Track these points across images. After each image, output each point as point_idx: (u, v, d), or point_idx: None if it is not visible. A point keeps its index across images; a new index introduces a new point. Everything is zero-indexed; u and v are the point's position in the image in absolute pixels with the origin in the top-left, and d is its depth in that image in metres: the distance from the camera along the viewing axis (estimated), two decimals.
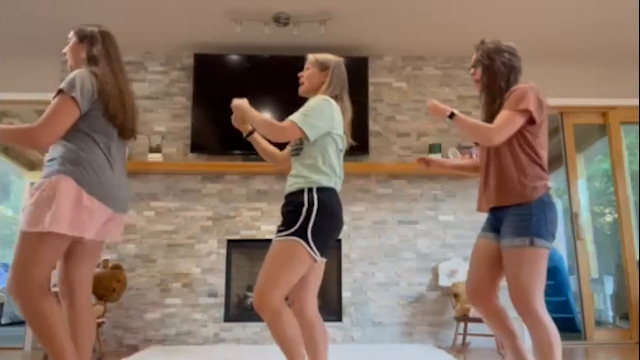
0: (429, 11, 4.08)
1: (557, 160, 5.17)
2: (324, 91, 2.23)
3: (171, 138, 4.54)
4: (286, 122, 2.11)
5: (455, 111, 2.12)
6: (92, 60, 2.10)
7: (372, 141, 4.56)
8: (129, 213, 4.40)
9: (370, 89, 4.63)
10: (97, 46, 2.12)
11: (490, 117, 2.18)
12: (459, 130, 2.16)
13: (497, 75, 2.22)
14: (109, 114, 2.05)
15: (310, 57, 2.30)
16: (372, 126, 4.60)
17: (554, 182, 7.76)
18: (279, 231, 2.05)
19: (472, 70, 2.30)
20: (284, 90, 4.40)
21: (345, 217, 4.46)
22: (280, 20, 4.16)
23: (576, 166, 4.84)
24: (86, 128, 2.02)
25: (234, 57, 4.59)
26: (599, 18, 4.17)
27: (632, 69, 4.80)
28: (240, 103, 2.23)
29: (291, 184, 2.13)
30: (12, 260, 1.91)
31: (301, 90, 2.31)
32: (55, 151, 2.00)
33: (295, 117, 2.12)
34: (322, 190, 2.08)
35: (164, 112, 4.63)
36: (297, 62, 4.56)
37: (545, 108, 2.16)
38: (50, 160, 1.99)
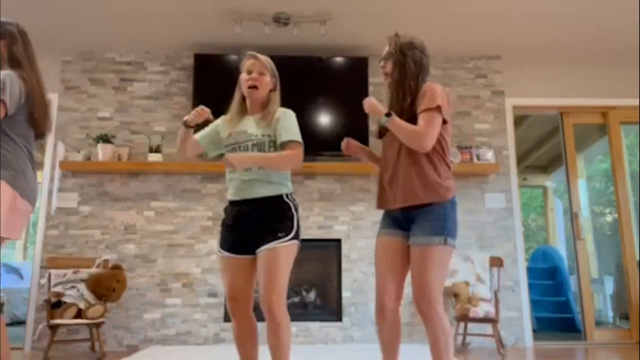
0: (429, 11, 4.08)
1: (557, 160, 5.19)
2: (278, 99, 2.35)
3: (171, 138, 4.54)
4: (294, 145, 2.21)
5: (392, 113, 2.09)
6: (13, 61, 2.07)
7: (372, 141, 4.56)
8: (129, 213, 4.40)
9: (370, 89, 4.63)
10: (17, 46, 2.09)
11: (400, 113, 2.14)
12: (395, 132, 2.10)
13: (407, 71, 2.21)
14: (34, 120, 2.06)
15: (265, 61, 2.34)
16: (372, 126, 4.59)
17: (554, 182, 7.82)
18: (279, 237, 2.12)
19: (382, 63, 2.28)
20: (284, 90, 4.40)
21: (345, 217, 4.48)
22: (280, 20, 4.16)
23: (576, 166, 4.84)
24: (10, 131, 2.01)
25: (234, 57, 4.59)
26: (599, 18, 4.17)
27: (632, 69, 4.81)
28: (240, 158, 2.12)
29: (268, 190, 2.19)
30: None
31: (256, 95, 2.32)
32: None
33: (294, 135, 2.23)
34: (291, 194, 2.27)
35: (164, 112, 4.63)
36: (297, 62, 4.62)
37: (451, 109, 2.18)
38: None
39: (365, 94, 4.55)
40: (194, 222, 4.42)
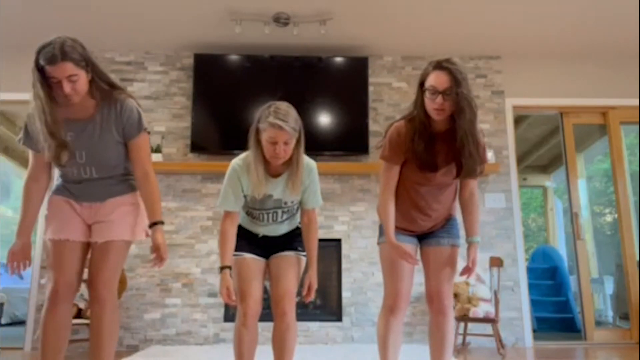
0: (429, 11, 4.08)
1: (557, 160, 5.18)
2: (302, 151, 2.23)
3: (171, 138, 4.54)
4: (315, 214, 2.32)
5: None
6: (112, 85, 2.21)
7: (372, 141, 4.55)
8: None
9: (370, 89, 4.62)
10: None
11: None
12: None
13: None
14: None
15: (290, 132, 2.09)
16: (372, 126, 4.59)
17: (554, 182, 7.82)
18: (298, 250, 2.32)
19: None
20: (284, 90, 4.41)
21: (345, 217, 4.48)
22: (280, 20, 4.16)
23: (576, 166, 4.84)
24: None
25: (234, 57, 4.59)
26: (599, 18, 4.16)
27: (632, 69, 4.80)
28: (314, 282, 2.29)
29: (295, 225, 2.39)
30: None
31: (281, 161, 2.16)
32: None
33: (319, 201, 2.31)
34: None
35: (164, 112, 4.62)
36: (297, 62, 4.62)
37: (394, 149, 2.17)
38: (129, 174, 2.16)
39: (365, 94, 4.55)
40: (194, 222, 4.42)
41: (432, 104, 2.00)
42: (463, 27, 4.32)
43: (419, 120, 2.07)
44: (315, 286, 2.24)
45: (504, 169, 4.61)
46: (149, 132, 2.16)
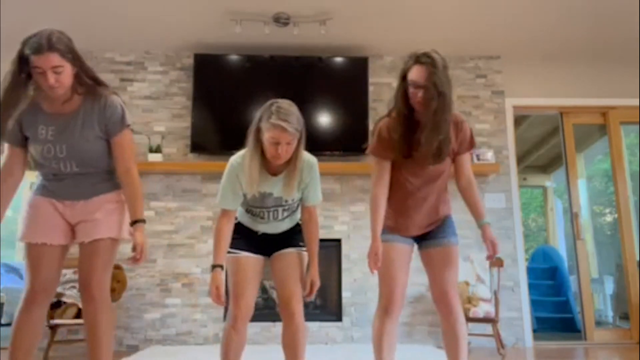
0: (429, 11, 4.07)
1: (557, 160, 5.18)
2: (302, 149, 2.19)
3: (171, 138, 4.54)
4: (315, 210, 2.30)
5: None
6: (96, 80, 2.13)
7: (371, 141, 4.55)
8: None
9: (370, 89, 4.62)
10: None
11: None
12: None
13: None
14: None
15: (294, 133, 2.07)
16: (372, 126, 4.59)
17: (554, 182, 7.82)
18: (300, 245, 2.30)
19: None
20: (284, 90, 4.40)
21: (345, 217, 4.48)
22: (280, 20, 4.16)
23: (576, 166, 4.84)
24: None
25: (234, 57, 4.59)
26: (599, 18, 4.16)
27: (632, 69, 4.80)
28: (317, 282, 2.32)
29: (296, 222, 2.37)
30: None
31: (283, 161, 2.13)
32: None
33: (319, 197, 2.29)
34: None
35: (164, 112, 4.62)
36: (297, 62, 4.61)
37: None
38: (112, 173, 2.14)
39: (365, 94, 4.55)
40: (194, 222, 4.42)
41: (415, 97, 2.06)
42: (463, 27, 4.32)
43: (398, 111, 2.12)
44: (317, 284, 2.24)
45: (504, 169, 4.61)
46: (132, 130, 2.13)
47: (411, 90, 2.06)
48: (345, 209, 4.49)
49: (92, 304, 1.99)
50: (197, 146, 4.46)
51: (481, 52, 4.78)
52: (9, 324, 6.09)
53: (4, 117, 1.92)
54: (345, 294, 4.33)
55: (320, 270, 2.34)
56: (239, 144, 4.32)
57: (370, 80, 4.62)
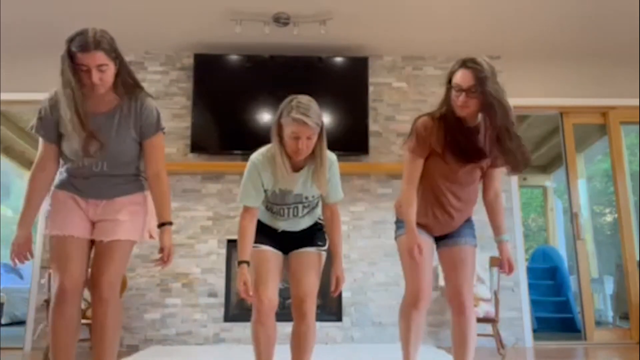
0: (429, 11, 4.08)
1: (557, 160, 5.18)
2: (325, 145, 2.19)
3: (171, 138, 4.54)
4: (337, 208, 2.28)
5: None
6: (137, 82, 2.15)
7: (372, 141, 4.56)
8: None
9: (370, 89, 4.62)
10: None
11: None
12: None
13: None
14: None
15: (314, 127, 2.08)
16: (372, 126, 4.59)
17: (554, 182, 7.81)
18: (319, 245, 2.29)
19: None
20: (284, 90, 4.38)
21: (345, 217, 4.47)
22: (280, 20, 4.16)
23: (576, 166, 4.84)
24: None
25: (234, 57, 4.59)
26: (599, 18, 4.16)
27: (632, 69, 4.80)
28: (342, 277, 2.27)
29: (315, 219, 2.36)
30: None
31: (303, 156, 2.13)
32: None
33: (340, 194, 2.27)
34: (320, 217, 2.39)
35: (163, 112, 4.51)
36: (297, 62, 4.61)
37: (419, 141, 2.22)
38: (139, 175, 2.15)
39: (365, 94, 4.55)
40: (194, 222, 4.42)
41: (457, 101, 2.08)
42: (463, 27, 4.32)
43: (453, 116, 2.14)
44: (343, 280, 2.22)
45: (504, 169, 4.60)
46: (164, 133, 2.16)
47: (454, 93, 2.10)
48: (345, 209, 4.49)
49: (101, 305, 1.97)
50: (197, 146, 4.45)
51: (481, 52, 4.73)
52: (9, 324, 6.11)
53: (86, 119, 1.94)
54: (345, 294, 4.33)
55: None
56: (239, 144, 4.36)
57: (370, 80, 4.62)
